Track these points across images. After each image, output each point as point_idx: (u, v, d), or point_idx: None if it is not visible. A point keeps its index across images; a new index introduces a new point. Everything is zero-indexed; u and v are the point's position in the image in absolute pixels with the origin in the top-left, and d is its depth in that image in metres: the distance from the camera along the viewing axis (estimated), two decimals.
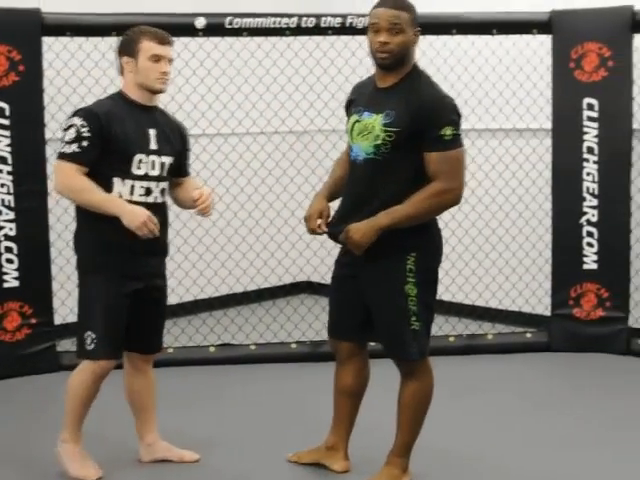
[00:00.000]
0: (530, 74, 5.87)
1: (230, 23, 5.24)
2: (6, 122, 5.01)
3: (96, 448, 3.89)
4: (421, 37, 5.40)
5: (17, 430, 4.38)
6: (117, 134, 3.58)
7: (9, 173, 5.03)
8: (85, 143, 3.53)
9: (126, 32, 3.74)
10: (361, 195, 3.51)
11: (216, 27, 5.25)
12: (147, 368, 3.90)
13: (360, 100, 3.58)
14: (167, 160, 3.72)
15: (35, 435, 4.26)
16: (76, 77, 5.51)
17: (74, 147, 3.52)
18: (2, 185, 5.05)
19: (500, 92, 5.96)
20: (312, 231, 3.66)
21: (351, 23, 5.33)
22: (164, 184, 3.74)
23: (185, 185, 3.88)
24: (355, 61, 5.78)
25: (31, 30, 5.02)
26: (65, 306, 5.42)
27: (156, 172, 3.68)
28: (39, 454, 4.02)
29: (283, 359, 5.43)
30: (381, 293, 3.53)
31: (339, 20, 5.30)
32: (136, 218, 3.51)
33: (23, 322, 5.15)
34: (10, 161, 5.03)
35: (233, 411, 4.65)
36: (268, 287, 6.82)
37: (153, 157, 3.67)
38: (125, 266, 3.65)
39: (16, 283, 5.12)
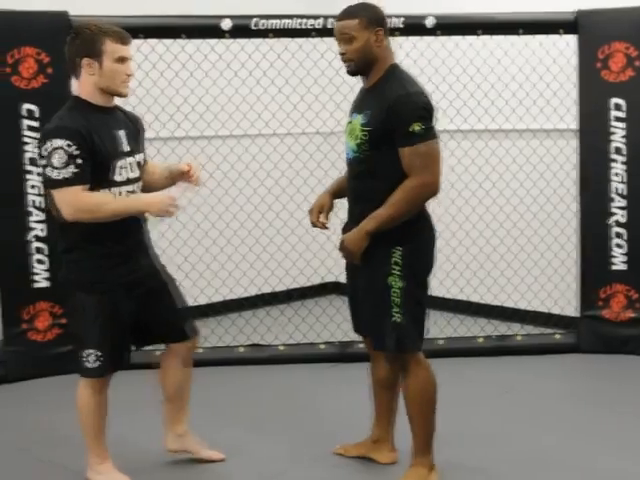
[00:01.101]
0: (557, 74, 5.83)
1: (256, 25, 5.24)
2: (35, 124, 5.05)
3: (118, 452, 3.91)
4: (446, 38, 5.54)
5: (49, 429, 4.43)
6: (98, 145, 3.42)
7: (39, 174, 5.07)
8: (79, 161, 3.35)
9: (79, 30, 3.52)
10: (354, 191, 3.68)
11: (242, 29, 5.25)
12: (190, 357, 3.88)
13: (354, 102, 3.73)
14: (140, 158, 3.66)
15: (66, 435, 4.27)
16: None
17: (71, 169, 3.35)
18: (32, 186, 5.11)
19: (527, 92, 5.94)
20: (313, 224, 3.89)
21: None
22: (141, 181, 3.67)
23: (148, 170, 3.76)
24: None
25: (59, 32, 5.04)
26: None
27: (135, 174, 3.60)
28: (65, 454, 4.07)
29: (312, 359, 5.44)
30: (364, 283, 3.62)
31: None
32: (162, 204, 3.45)
33: (54, 322, 5.21)
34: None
35: (262, 411, 4.67)
36: (297, 288, 6.83)
37: (130, 159, 3.57)
38: (122, 276, 3.55)
39: (47, 284, 5.17)
